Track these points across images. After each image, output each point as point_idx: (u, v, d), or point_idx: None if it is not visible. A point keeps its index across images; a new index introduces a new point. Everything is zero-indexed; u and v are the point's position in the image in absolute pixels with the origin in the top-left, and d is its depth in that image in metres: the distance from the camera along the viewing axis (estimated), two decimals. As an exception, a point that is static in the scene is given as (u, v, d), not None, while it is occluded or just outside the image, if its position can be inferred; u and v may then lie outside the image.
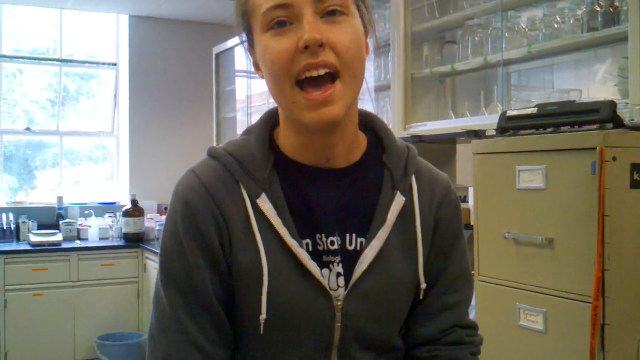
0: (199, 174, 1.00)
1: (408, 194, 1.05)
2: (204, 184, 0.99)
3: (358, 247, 1.01)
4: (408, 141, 3.05)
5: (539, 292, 1.77)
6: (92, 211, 5.37)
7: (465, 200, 2.97)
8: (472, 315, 2.14)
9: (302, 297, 0.97)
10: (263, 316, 0.95)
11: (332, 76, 0.92)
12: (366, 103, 3.80)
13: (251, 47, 1.01)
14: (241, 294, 0.98)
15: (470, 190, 2.31)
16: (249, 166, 1.00)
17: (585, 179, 1.63)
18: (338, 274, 1.00)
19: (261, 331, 0.96)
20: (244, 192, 0.99)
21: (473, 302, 2.01)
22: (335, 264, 1.00)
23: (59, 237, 4.91)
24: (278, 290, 0.96)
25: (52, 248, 4.75)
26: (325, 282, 0.98)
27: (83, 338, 4.76)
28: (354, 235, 1.01)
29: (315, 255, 0.99)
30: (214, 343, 0.98)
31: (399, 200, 1.03)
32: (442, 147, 3.31)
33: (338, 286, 0.99)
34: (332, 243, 1.00)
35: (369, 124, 1.10)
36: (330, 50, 0.91)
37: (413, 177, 1.06)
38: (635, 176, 1.61)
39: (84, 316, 4.79)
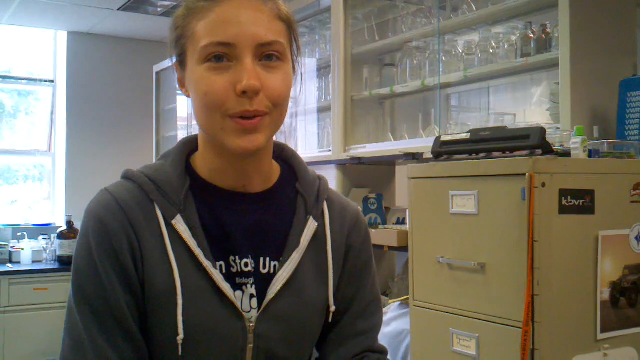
0: (113, 193, 1.00)
1: (320, 219, 1.09)
2: (118, 202, 0.99)
3: (272, 271, 1.03)
4: (347, 163, 3.07)
5: (472, 317, 1.77)
6: (25, 233, 5.17)
7: (404, 222, 2.98)
8: (407, 340, 2.13)
9: (215, 318, 0.98)
10: (181, 337, 0.96)
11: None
12: (311, 123, 3.77)
13: (181, 67, 1.02)
14: (155, 315, 0.98)
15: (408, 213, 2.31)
16: (165, 188, 1.01)
17: (516, 204, 1.64)
18: (251, 296, 1.01)
19: (180, 352, 0.96)
20: (158, 213, 0.99)
21: (408, 327, 2.00)
22: (248, 285, 1.01)
23: (-11, 260, 4.70)
24: (192, 311, 0.97)
25: (-18, 272, 4.53)
26: (238, 304, 1.00)
27: (14, 366, 4.56)
28: (267, 258, 1.04)
29: (229, 277, 1.00)
30: None
31: (311, 225, 1.07)
32: (382, 169, 3.32)
33: (251, 308, 1.01)
34: (246, 265, 1.02)
35: (282, 155, 1.13)
36: (264, 96, 0.94)
37: (325, 204, 1.11)
38: (564, 202, 1.62)
39: (15, 343, 4.56)
